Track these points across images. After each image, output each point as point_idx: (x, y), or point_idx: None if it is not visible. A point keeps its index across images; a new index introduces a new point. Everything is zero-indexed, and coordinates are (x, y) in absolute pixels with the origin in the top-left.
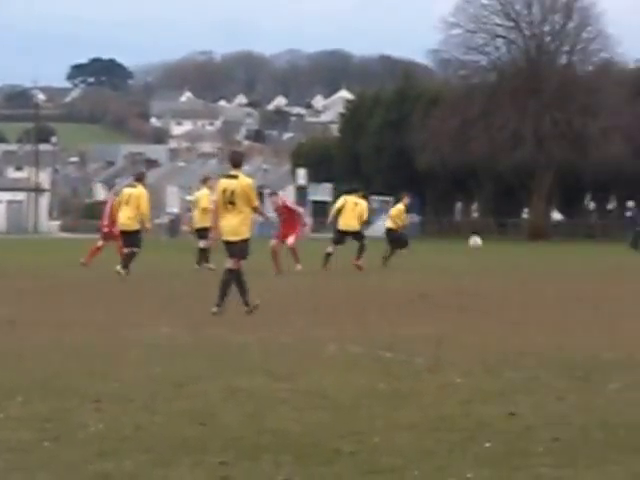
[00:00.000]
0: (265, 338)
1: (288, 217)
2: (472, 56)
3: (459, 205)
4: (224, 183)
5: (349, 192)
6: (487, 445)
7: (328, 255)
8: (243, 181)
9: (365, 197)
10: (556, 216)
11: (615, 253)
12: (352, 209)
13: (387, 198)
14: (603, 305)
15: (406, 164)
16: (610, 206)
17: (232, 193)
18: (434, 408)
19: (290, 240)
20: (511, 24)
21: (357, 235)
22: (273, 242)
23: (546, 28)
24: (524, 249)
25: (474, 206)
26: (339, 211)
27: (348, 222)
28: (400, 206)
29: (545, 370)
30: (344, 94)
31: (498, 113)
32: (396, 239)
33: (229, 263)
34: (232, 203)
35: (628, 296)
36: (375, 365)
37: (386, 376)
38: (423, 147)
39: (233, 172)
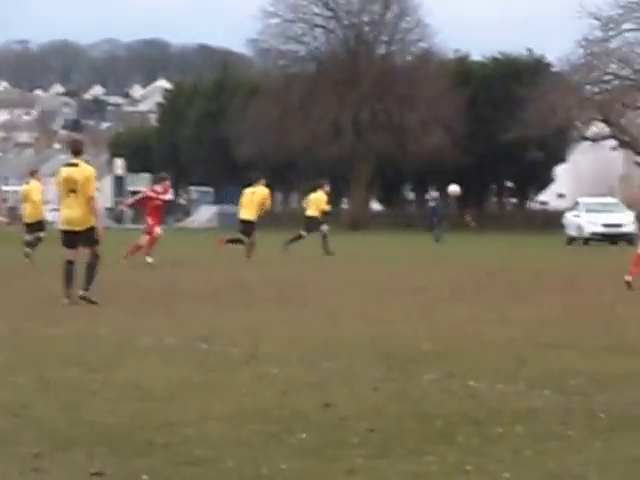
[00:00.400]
0: (81, 330)
1: (157, 207)
2: (291, 46)
3: (279, 196)
4: (65, 171)
5: (250, 184)
6: (302, 436)
7: (237, 241)
8: (84, 169)
9: (268, 185)
10: (376, 206)
11: (432, 242)
12: (250, 199)
13: (206, 189)
14: (420, 294)
15: (225, 155)
16: (428, 197)
17: (74, 181)
18: (249, 399)
19: (157, 231)
20: (330, 14)
21: (248, 227)
22: (146, 239)
23: (365, 18)
24: (343, 239)
25: (294, 197)
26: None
27: (244, 212)
28: (321, 194)
29: (361, 360)
30: (162, 83)
31: (317, 103)
32: (314, 226)
33: (71, 255)
34: (73, 191)
35: (444, 285)
36: (190, 356)
37: (201, 367)
38: (242, 137)
39: (74, 160)
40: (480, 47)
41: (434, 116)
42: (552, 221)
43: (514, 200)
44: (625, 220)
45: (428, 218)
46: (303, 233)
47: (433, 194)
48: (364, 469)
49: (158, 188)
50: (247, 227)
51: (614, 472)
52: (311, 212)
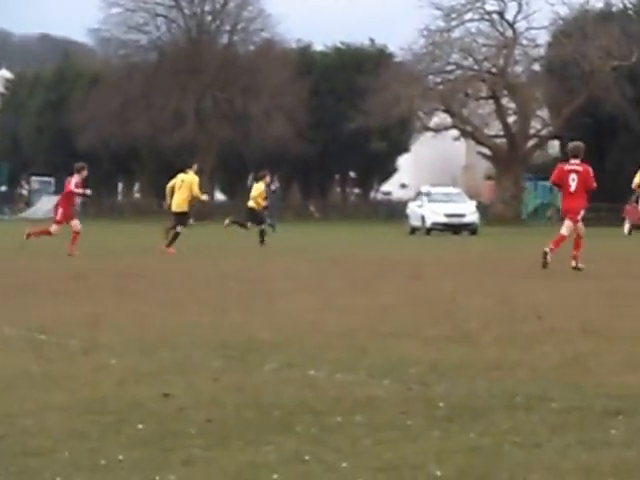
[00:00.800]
0: None
1: (74, 198)
2: (132, 35)
3: (121, 186)
4: None
5: (182, 170)
6: (140, 427)
7: (176, 234)
8: None
9: (197, 173)
10: (219, 196)
11: (272, 233)
12: (179, 187)
13: (47, 179)
14: (261, 284)
15: (67, 144)
16: (273, 187)
17: None
18: (87, 390)
19: (54, 228)
20: (171, 3)
21: (180, 218)
22: (55, 228)
23: (207, 7)
24: (187, 230)
25: (136, 187)
26: (172, 190)
27: (176, 202)
28: (261, 185)
29: (201, 350)
30: (4, 73)
31: (159, 93)
32: (255, 218)
33: None
34: None
35: (285, 275)
36: (28, 347)
37: (39, 358)
38: (84, 127)
39: None
40: (323, 37)
41: (277, 105)
42: (395, 211)
43: (357, 190)
44: (467, 210)
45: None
46: (261, 226)
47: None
48: (201, 459)
49: (77, 178)
50: (179, 218)
51: (452, 461)
52: (251, 204)
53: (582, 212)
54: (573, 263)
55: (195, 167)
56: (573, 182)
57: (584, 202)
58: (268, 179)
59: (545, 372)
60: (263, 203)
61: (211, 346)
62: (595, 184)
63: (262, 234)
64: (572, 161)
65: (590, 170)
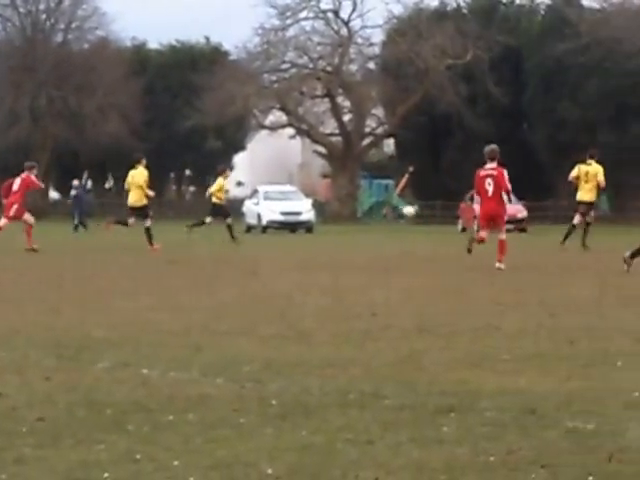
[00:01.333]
0: None
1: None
2: None
3: None
4: None
5: (131, 166)
6: None
7: (124, 224)
8: None
9: (148, 167)
10: (53, 194)
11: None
12: (131, 183)
13: None
14: (96, 283)
15: None
16: (107, 185)
17: None
18: None
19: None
20: (6, 2)
21: (140, 211)
22: (5, 222)
23: (42, 6)
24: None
25: None
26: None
27: (131, 197)
28: (220, 180)
29: (34, 349)
30: None
31: None
32: (220, 212)
33: None
34: None
35: (121, 274)
36: None
37: None
38: None
39: None
40: (158, 35)
41: (111, 103)
42: (231, 209)
43: (193, 188)
44: (303, 208)
45: (72, 208)
46: (228, 220)
47: (75, 182)
48: (33, 458)
49: (32, 175)
50: (138, 212)
51: (284, 459)
52: (214, 199)
53: (505, 216)
54: (497, 264)
55: (144, 162)
56: (489, 187)
57: (504, 206)
58: (228, 173)
59: (379, 369)
60: (222, 197)
61: (45, 345)
62: (509, 186)
63: (230, 229)
64: (488, 165)
65: (504, 172)
